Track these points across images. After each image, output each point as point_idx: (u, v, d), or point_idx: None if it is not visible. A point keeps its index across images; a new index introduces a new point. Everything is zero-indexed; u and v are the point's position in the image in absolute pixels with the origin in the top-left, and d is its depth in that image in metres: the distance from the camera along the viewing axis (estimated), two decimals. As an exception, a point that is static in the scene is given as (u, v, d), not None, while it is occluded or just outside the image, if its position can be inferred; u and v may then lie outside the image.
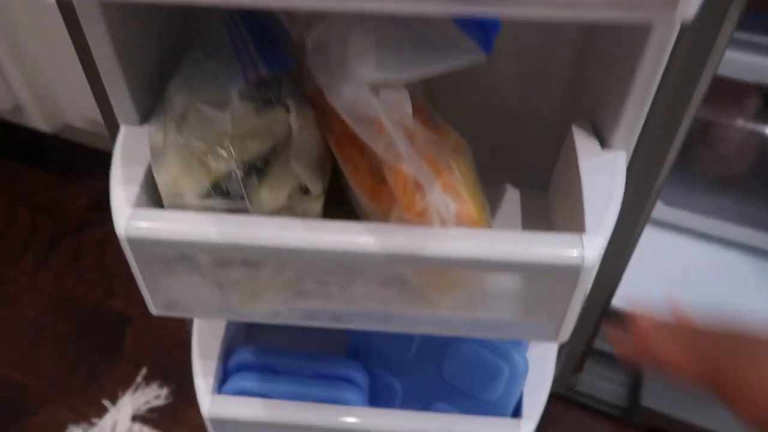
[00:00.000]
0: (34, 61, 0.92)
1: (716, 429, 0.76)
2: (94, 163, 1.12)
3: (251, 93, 0.36)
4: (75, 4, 0.34)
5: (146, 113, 0.41)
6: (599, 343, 0.79)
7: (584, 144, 0.41)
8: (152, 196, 0.39)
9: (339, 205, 0.42)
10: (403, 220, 0.35)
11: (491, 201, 0.40)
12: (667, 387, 0.78)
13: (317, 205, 0.39)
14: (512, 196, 0.53)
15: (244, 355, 0.58)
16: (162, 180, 0.37)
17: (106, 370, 0.83)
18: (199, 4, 0.29)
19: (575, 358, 0.78)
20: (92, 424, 0.78)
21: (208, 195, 0.35)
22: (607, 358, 0.81)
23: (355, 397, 0.55)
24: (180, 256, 0.39)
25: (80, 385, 0.82)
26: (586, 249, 0.34)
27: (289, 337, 0.65)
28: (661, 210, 0.84)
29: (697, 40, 0.49)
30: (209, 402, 0.54)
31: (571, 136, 0.42)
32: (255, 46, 0.38)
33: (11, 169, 1.09)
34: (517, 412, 0.56)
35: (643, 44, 0.34)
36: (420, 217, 0.35)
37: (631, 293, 0.77)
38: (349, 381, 0.57)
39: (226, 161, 0.35)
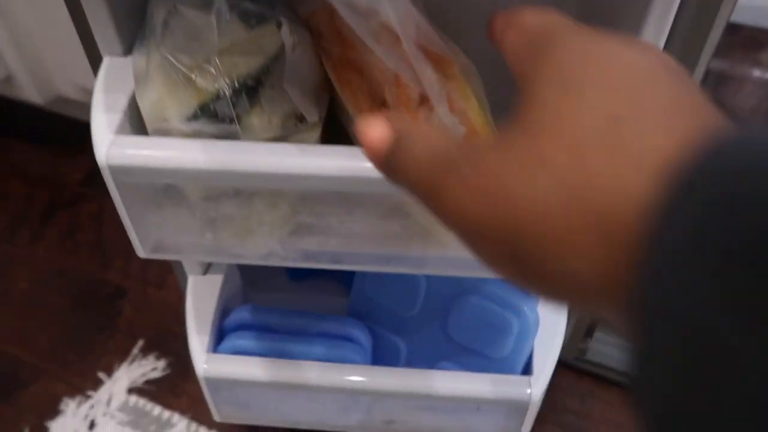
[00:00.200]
0: (25, 31, 0.89)
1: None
2: (88, 138, 1.10)
3: (240, 7, 0.33)
4: None
5: (130, 45, 0.39)
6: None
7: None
8: (136, 126, 0.36)
9: (336, 139, 0.39)
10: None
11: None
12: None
13: (314, 135, 0.36)
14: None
15: (242, 314, 0.56)
16: (146, 104, 0.34)
17: (101, 342, 0.81)
18: None
19: (585, 323, 0.75)
20: (87, 397, 0.76)
21: (195, 117, 0.33)
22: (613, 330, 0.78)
23: (357, 356, 0.53)
24: (167, 188, 0.36)
25: (74, 358, 0.79)
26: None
27: (288, 299, 0.63)
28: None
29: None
30: (204, 361, 0.52)
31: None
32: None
33: (4, 143, 1.06)
34: (526, 371, 0.53)
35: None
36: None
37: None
38: (351, 340, 0.54)
39: (213, 78, 0.32)
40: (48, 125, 1.09)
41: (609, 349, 0.79)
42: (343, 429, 0.57)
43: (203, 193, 0.36)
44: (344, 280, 0.66)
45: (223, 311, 0.58)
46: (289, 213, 0.37)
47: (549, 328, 0.53)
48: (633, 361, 0.13)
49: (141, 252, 0.39)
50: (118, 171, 0.33)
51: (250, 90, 0.33)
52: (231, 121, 0.33)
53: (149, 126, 0.34)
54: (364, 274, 0.56)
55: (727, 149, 0.13)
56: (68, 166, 1.04)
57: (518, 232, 0.16)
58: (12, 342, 0.81)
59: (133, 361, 0.79)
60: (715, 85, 0.70)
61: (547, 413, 0.77)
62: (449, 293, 0.53)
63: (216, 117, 0.33)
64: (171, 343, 0.81)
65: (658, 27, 0.34)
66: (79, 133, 1.11)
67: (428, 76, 0.30)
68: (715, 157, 0.13)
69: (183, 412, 0.75)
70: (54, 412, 0.75)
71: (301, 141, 0.36)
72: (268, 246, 0.38)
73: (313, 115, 0.36)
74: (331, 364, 0.51)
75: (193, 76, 0.32)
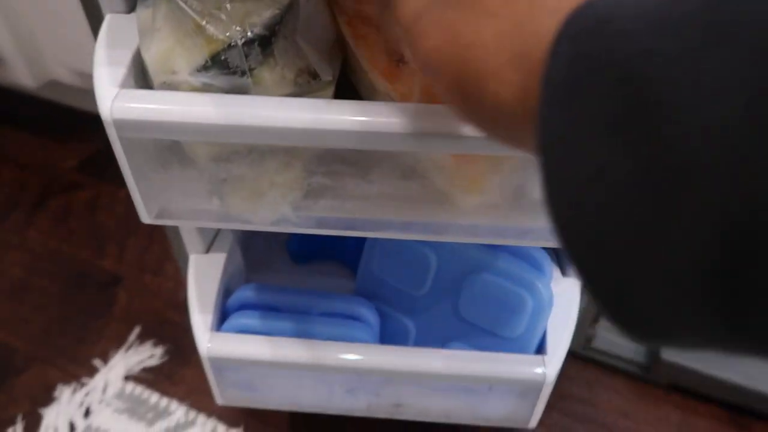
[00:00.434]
0: (19, 13, 0.87)
1: (739, 382, 0.72)
2: (82, 126, 1.08)
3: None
4: None
5: (133, 2, 0.37)
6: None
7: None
8: (139, 84, 0.35)
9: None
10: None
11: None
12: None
13: (327, 94, 0.35)
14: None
15: (246, 292, 0.54)
16: (152, 56, 0.32)
17: (96, 329, 0.79)
18: None
19: (591, 312, 0.74)
20: (82, 384, 0.74)
21: (205, 68, 0.31)
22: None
23: (365, 335, 0.51)
24: (173, 146, 0.34)
25: (69, 345, 0.77)
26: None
27: (290, 282, 0.61)
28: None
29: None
30: (207, 339, 0.50)
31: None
32: None
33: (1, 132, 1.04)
34: (539, 352, 0.52)
35: None
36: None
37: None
38: (358, 319, 0.53)
39: (225, 26, 0.30)
40: (41, 112, 1.06)
41: (616, 338, 0.78)
42: (349, 412, 0.55)
43: (211, 153, 0.34)
44: (349, 261, 0.64)
45: (225, 293, 0.56)
46: (302, 174, 0.35)
47: (562, 307, 0.52)
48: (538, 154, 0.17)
49: (145, 217, 0.37)
50: (124, 126, 0.32)
51: (263, 40, 0.31)
52: (243, 73, 0.32)
53: (155, 79, 0.33)
54: (372, 252, 0.54)
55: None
56: (62, 152, 1.01)
57: (465, 67, 0.20)
58: (4, 328, 0.79)
59: (129, 348, 0.77)
60: None
61: (553, 401, 0.75)
62: (460, 271, 0.51)
63: (227, 68, 0.31)
64: (168, 330, 0.79)
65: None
66: (73, 120, 1.09)
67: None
68: (588, 6, 0.17)
69: (181, 399, 0.73)
70: (48, 399, 0.72)
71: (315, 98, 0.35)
72: (279, 211, 0.36)
73: (326, 73, 0.35)
74: (338, 342, 0.50)
75: (203, 23, 0.30)
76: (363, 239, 0.57)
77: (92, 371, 0.75)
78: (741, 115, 0.13)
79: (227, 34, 0.31)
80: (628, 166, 0.14)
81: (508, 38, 0.19)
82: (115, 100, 0.32)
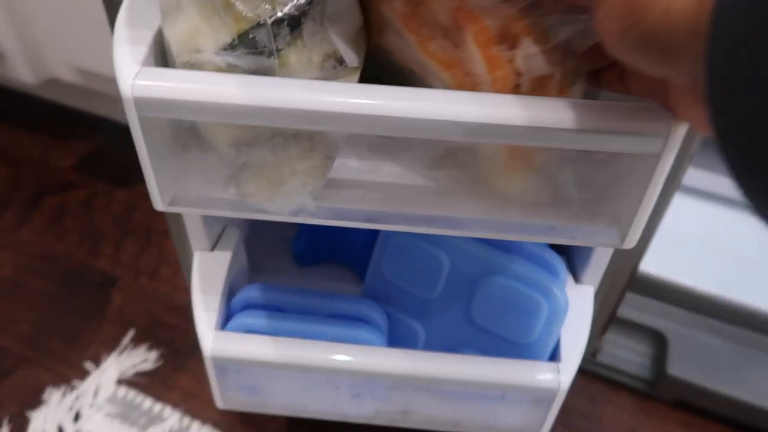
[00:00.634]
0: (22, 7, 0.86)
1: (748, 399, 0.71)
2: (80, 126, 1.06)
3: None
4: None
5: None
6: (623, 311, 0.75)
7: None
8: (159, 65, 0.33)
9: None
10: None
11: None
12: (694, 354, 0.74)
13: (353, 80, 0.34)
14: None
15: (251, 292, 0.52)
16: (177, 34, 0.31)
17: (88, 331, 0.76)
18: None
19: (599, 324, 0.73)
20: (73, 387, 0.71)
21: (232, 47, 0.30)
22: (631, 327, 0.76)
23: (373, 337, 0.50)
24: (192, 129, 0.33)
25: (60, 346, 0.75)
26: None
27: (294, 285, 0.60)
28: (688, 174, 0.80)
29: None
30: (212, 338, 0.48)
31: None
32: None
33: (-5, 129, 1.02)
34: (552, 359, 0.50)
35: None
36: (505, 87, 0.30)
37: (659, 258, 0.73)
38: (366, 322, 0.51)
39: (254, 4, 0.29)
40: (39, 111, 1.05)
41: (621, 352, 0.77)
42: (356, 418, 0.53)
43: (232, 138, 0.33)
44: (355, 265, 0.63)
45: (229, 292, 0.54)
46: (324, 162, 0.34)
47: (575, 314, 0.51)
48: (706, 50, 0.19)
49: (159, 204, 0.36)
50: (144, 104, 0.30)
51: (292, 20, 0.30)
52: (270, 54, 0.30)
53: (179, 59, 0.31)
54: (383, 253, 0.53)
55: None
56: (59, 152, 1.00)
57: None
58: (-7, 329, 0.76)
59: (122, 351, 0.75)
60: None
61: (556, 415, 0.74)
62: (473, 274, 0.50)
63: (254, 48, 0.30)
64: (163, 333, 0.77)
65: None
66: (71, 119, 1.07)
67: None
68: None
69: (175, 405, 0.70)
70: (36, 401, 0.70)
71: (340, 86, 0.34)
72: (298, 200, 0.35)
73: (353, 60, 0.34)
74: (346, 344, 0.48)
75: (234, 2, 0.29)
76: (370, 242, 0.56)
77: (83, 374, 0.72)
78: None
79: (256, 11, 0.30)
80: None
81: None
82: (136, 78, 0.30)
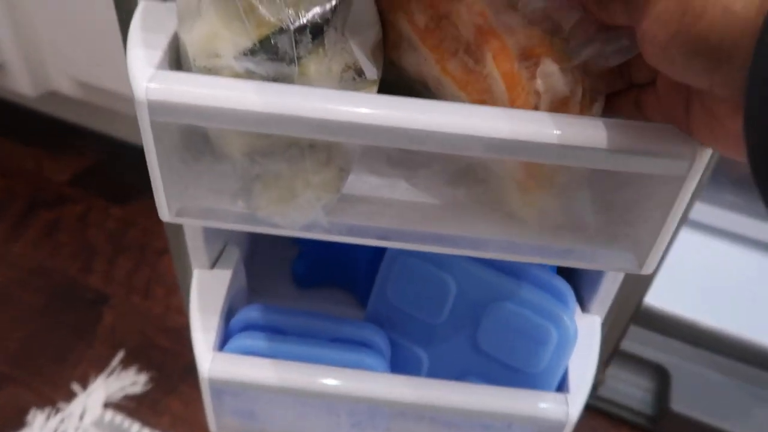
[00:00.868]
0: (26, 17, 0.85)
1: (752, 438, 0.70)
2: (77, 140, 1.05)
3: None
4: None
5: (169, -10, 0.36)
6: (626, 345, 0.73)
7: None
8: (175, 69, 0.33)
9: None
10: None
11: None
12: (697, 390, 0.72)
13: (371, 92, 0.33)
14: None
15: (250, 313, 0.51)
16: (195, 38, 0.30)
17: (77, 350, 0.74)
18: None
19: (603, 356, 0.72)
20: (58, 410, 0.68)
21: (253, 52, 0.29)
22: (634, 361, 0.75)
23: (376, 362, 0.48)
24: (206, 137, 0.32)
25: (46, 366, 0.72)
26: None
27: (295, 306, 0.58)
28: (693, 208, 0.80)
29: None
30: (210, 360, 0.46)
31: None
32: None
33: (-12, 140, 1.01)
34: (560, 389, 0.49)
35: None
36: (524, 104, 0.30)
37: (663, 291, 0.72)
38: (369, 347, 0.50)
39: (278, 9, 0.29)
40: (37, 124, 1.04)
41: (623, 386, 0.76)
42: (354, 447, 0.51)
43: (246, 147, 0.32)
44: (356, 288, 0.61)
45: (228, 312, 0.52)
46: (340, 174, 0.33)
47: (583, 344, 0.50)
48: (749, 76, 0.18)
49: (165, 214, 0.34)
50: (158, 108, 0.29)
51: (315, 28, 0.30)
52: (290, 61, 0.30)
53: (196, 63, 0.31)
54: (387, 275, 0.52)
55: None
56: (54, 165, 0.98)
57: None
58: (-24, 345, 0.74)
59: (111, 373, 0.72)
60: None
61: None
62: (481, 299, 0.49)
63: (275, 54, 0.30)
64: (154, 356, 0.75)
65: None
66: (68, 133, 1.06)
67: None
68: None
69: (164, 431, 0.68)
70: (19, 423, 0.67)
71: (359, 98, 0.33)
72: (311, 214, 0.34)
73: (372, 72, 0.33)
74: (349, 369, 0.46)
75: (257, 2, 0.28)
76: (374, 265, 0.55)
77: (70, 396, 0.69)
78: None
79: (279, 16, 0.29)
80: None
81: None
82: (151, 81, 0.30)
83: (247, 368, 0.46)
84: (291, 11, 0.29)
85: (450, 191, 0.32)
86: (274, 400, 0.48)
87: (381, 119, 0.28)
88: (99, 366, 0.73)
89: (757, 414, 0.70)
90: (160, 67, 0.31)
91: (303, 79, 0.31)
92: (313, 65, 0.31)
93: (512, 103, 0.32)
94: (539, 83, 0.31)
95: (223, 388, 0.47)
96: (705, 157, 0.30)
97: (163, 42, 0.32)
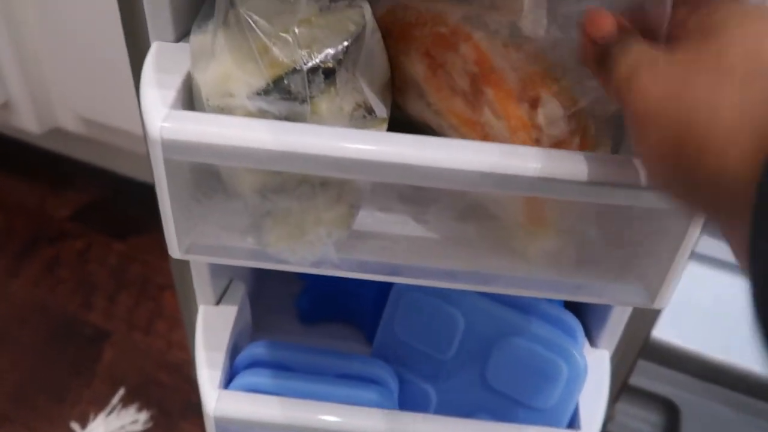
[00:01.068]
0: (32, 56, 0.87)
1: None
2: (79, 176, 1.05)
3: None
4: None
5: (180, 32, 0.36)
6: (635, 379, 0.72)
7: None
8: (188, 109, 0.33)
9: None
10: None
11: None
12: (707, 425, 0.71)
13: (381, 130, 0.34)
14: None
15: (256, 349, 0.50)
16: (209, 78, 0.31)
17: (76, 388, 0.73)
18: None
19: (612, 391, 0.71)
20: (56, 450, 0.67)
21: (266, 92, 0.30)
22: (643, 396, 0.74)
23: (384, 399, 0.47)
24: (217, 173, 0.32)
25: (45, 404, 0.71)
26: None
27: (300, 341, 0.57)
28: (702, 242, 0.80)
29: None
30: (215, 398, 0.45)
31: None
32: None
33: (-9, 176, 1.01)
34: (571, 425, 0.48)
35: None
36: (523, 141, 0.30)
37: (671, 325, 0.72)
38: (377, 383, 0.49)
39: (291, 50, 0.29)
40: (39, 160, 1.04)
41: (632, 422, 0.74)
42: (362, 488, 0.50)
43: (258, 184, 0.32)
44: (361, 323, 0.61)
45: (233, 349, 0.52)
46: (350, 211, 0.33)
47: (593, 379, 0.49)
48: (752, 233, 0.17)
49: (175, 251, 0.34)
50: (172, 147, 0.30)
51: (327, 68, 0.30)
52: (303, 100, 0.30)
53: (210, 102, 0.31)
54: (395, 310, 0.51)
55: None
56: (56, 201, 0.98)
57: (691, 123, 0.20)
58: (-26, 383, 0.73)
59: (111, 411, 0.71)
60: None
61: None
62: (490, 334, 0.48)
63: (288, 94, 0.30)
64: (155, 393, 0.74)
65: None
66: (70, 169, 1.06)
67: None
68: None
69: (165, 471, 0.66)
70: (16, 464, 0.66)
71: (369, 136, 0.33)
72: (321, 251, 0.34)
73: (381, 110, 0.34)
74: (357, 407, 0.46)
75: (270, 44, 0.29)
76: (380, 300, 0.54)
77: (68, 435, 0.68)
78: None
79: (293, 57, 0.29)
80: None
81: (750, 105, 0.18)
82: (165, 121, 0.30)
83: (254, 406, 0.45)
84: (304, 52, 0.30)
85: (460, 227, 0.32)
86: (281, 439, 0.47)
87: (393, 157, 0.28)
88: (99, 404, 0.71)
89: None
90: (174, 106, 0.31)
91: (315, 118, 0.31)
92: (324, 104, 0.31)
93: (514, 143, 0.32)
94: (541, 123, 0.32)
95: (228, 427, 0.46)
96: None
97: (176, 82, 0.33)
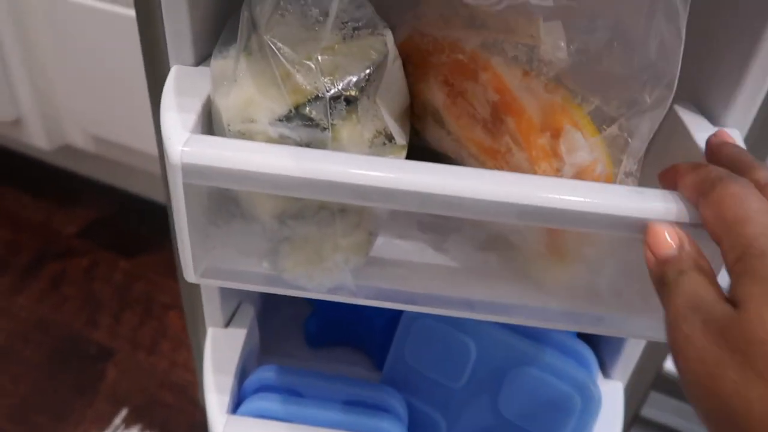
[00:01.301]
0: (43, 74, 0.87)
1: None
2: (87, 193, 1.05)
3: (350, 13, 0.31)
4: None
5: (200, 56, 0.37)
6: (647, 412, 0.71)
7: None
8: (207, 133, 0.33)
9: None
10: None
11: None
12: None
13: (400, 157, 0.33)
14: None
15: (265, 374, 0.49)
16: (230, 104, 0.31)
17: (79, 408, 0.72)
18: None
19: (625, 424, 0.70)
20: (56, 471, 0.66)
21: (288, 118, 0.30)
22: (655, 428, 0.72)
23: (393, 427, 0.47)
24: (236, 198, 0.32)
25: (47, 424, 0.70)
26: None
27: (307, 366, 0.57)
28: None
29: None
30: (223, 423, 0.45)
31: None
32: None
33: (0, 193, 1.01)
34: (584, 458, 0.47)
35: None
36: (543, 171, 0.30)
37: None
38: (387, 411, 0.48)
39: (314, 77, 0.29)
40: (47, 176, 1.04)
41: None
42: None
43: (277, 210, 0.32)
44: (370, 349, 0.60)
45: (241, 373, 0.51)
46: (369, 238, 0.33)
47: (607, 411, 0.48)
48: None
49: (191, 275, 0.34)
50: (192, 171, 0.29)
51: (349, 97, 0.30)
52: (324, 128, 0.30)
53: (231, 128, 0.31)
54: (406, 337, 0.51)
55: None
56: (63, 218, 0.98)
57: (723, 406, 0.21)
58: (-24, 401, 0.72)
59: (113, 432, 0.70)
60: None
61: None
62: (502, 364, 0.48)
63: (310, 121, 0.30)
64: (159, 413, 0.73)
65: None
66: (78, 186, 1.06)
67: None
68: None
69: (166, 495, 0.65)
70: (16, 486, 0.64)
71: (388, 163, 0.33)
72: (338, 277, 0.33)
73: (401, 137, 0.34)
74: (366, 436, 0.45)
75: (294, 70, 0.29)
76: (390, 326, 0.54)
77: (69, 456, 0.67)
78: None
79: (315, 85, 0.29)
80: None
81: None
82: (186, 145, 0.30)
83: (262, 433, 0.45)
84: (327, 80, 0.30)
85: (479, 256, 0.32)
86: (288, 467, 0.46)
87: (416, 185, 0.28)
88: (101, 424, 0.70)
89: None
90: (194, 131, 0.31)
91: (335, 145, 0.31)
92: (345, 131, 0.31)
93: (534, 172, 0.32)
94: (562, 153, 0.32)
95: (236, 454, 0.46)
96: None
97: (196, 106, 0.33)
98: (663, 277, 0.25)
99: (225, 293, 0.50)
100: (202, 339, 0.52)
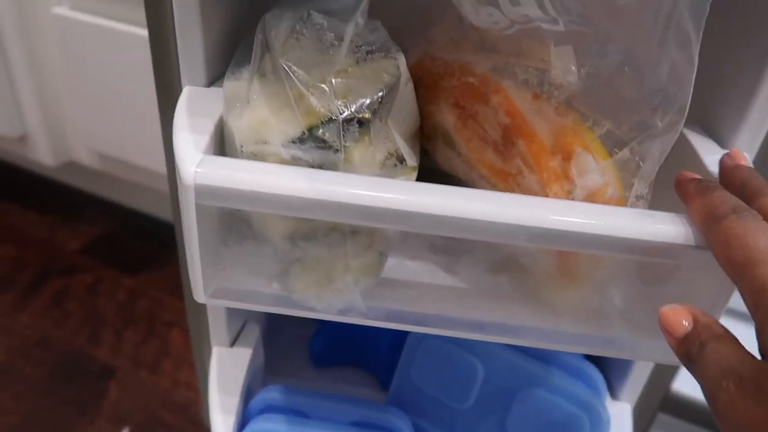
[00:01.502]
0: (51, 90, 0.88)
1: None
2: (91, 209, 1.06)
3: (364, 36, 0.32)
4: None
5: (212, 76, 0.37)
6: None
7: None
8: (219, 154, 0.33)
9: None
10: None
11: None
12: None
13: (411, 179, 0.34)
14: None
15: (271, 394, 0.49)
16: (243, 125, 0.31)
17: (80, 427, 0.71)
18: None
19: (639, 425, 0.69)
20: (56, 491, 0.65)
21: (301, 140, 0.30)
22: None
23: (401, 451, 0.46)
24: (247, 219, 0.32)
25: (48, 443, 0.69)
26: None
27: (311, 386, 0.56)
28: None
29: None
30: (228, 444, 0.44)
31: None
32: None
33: (3, 207, 1.01)
34: (593, 482, 0.47)
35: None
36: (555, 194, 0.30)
37: (692, 379, 0.70)
38: (391, 431, 0.48)
39: (327, 99, 0.30)
40: (51, 193, 1.04)
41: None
42: None
43: (288, 231, 0.32)
44: (375, 369, 0.60)
45: (246, 393, 0.51)
46: (379, 260, 0.33)
47: (615, 431, 0.48)
48: None
49: (200, 295, 0.34)
50: (205, 193, 0.30)
51: (362, 119, 0.30)
52: (337, 150, 0.30)
53: (244, 149, 0.31)
54: (412, 357, 0.51)
55: None
56: (67, 234, 0.98)
57: None
58: (-24, 419, 0.71)
59: (114, 451, 0.69)
60: None
61: None
62: (510, 385, 0.47)
63: (323, 143, 0.30)
64: (160, 433, 0.72)
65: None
66: (82, 202, 1.07)
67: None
68: None
69: None
70: (16, 506, 0.64)
71: (399, 184, 0.33)
72: (348, 298, 0.33)
73: (412, 159, 0.34)
74: (373, 458, 0.45)
75: (307, 93, 0.29)
76: (396, 346, 0.53)
77: (69, 476, 0.66)
78: None
79: (329, 107, 0.30)
80: None
81: None
82: (199, 166, 0.30)
83: (268, 455, 0.44)
84: (340, 102, 0.30)
85: (490, 278, 0.32)
86: (294, 489, 0.46)
87: (429, 208, 0.28)
88: (102, 444, 0.70)
89: None
90: (207, 152, 0.31)
91: (347, 166, 0.31)
92: (358, 153, 0.31)
93: (546, 195, 0.32)
94: (573, 176, 0.32)
95: (241, 476, 0.45)
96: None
97: (209, 127, 0.33)
98: (688, 355, 0.25)
99: (231, 312, 0.50)
100: (206, 358, 0.52)
